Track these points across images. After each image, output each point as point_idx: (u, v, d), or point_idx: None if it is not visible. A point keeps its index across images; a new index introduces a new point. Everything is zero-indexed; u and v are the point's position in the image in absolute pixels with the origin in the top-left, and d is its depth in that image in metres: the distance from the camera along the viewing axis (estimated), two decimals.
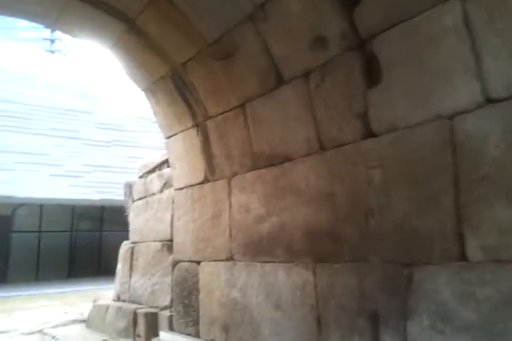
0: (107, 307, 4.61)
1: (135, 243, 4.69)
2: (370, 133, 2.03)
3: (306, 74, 2.32)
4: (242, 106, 2.84)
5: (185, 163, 3.69)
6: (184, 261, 3.62)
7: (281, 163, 2.56)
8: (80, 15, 3.22)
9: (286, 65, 2.40)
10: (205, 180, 3.42)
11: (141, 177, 4.95)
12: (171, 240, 3.96)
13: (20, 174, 12.09)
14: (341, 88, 2.15)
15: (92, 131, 13.84)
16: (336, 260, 2.11)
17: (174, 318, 3.58)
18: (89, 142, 13.61)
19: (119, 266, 5.02)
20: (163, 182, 4.31)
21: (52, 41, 72.75)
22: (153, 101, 3.83)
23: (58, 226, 18.00)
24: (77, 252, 18.07)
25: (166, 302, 3.83)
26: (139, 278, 4.36)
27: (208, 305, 3.16)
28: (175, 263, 3.77)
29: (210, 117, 3.22)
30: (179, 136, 3.71)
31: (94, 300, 5.54)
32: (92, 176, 13.34)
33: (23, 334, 4.81)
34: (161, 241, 4.13)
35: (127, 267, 4.68)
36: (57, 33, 72.25)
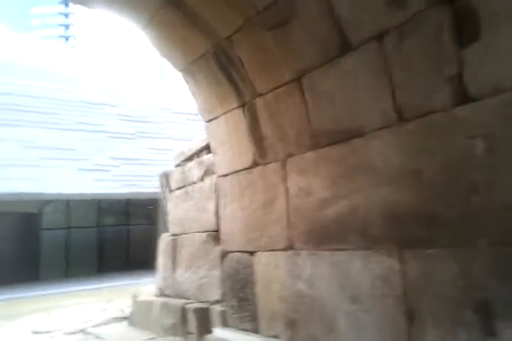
0: (151, 304, 4.48)
1: (176, 235, 4.53)
2: (466, 98, 1.77)
3: (380, 37, 2.06)
4: (297, 79, 2.60)
5: (229, 148, 3.48)
6: (234, 252, 3.44)
7: (349, 139, 2.33)
8: None
9: (355, 27, 2.15)
10: (254, 165, 3.21)
11: (177, 165, 4.78)
12: (217, 230, 3.78)
13: (47, 170, 12.14)
14: (425, 49, 1.90)
15: (116, 123, 13.79)
16: (428, 245, 1.88)
17: (228, 313, 3.41)
18: (114, 135, 13.58)
19: (160, 260, 4.88)
20: (204, 169, 4.12)
21: (67, 27, 73.67)
22: (192, 82, 3.62)
23: (85, 222, 18.19)
24: (105, 247, 18.24)
25: (216, 296, 3.66)
26: (183, 271, 4.21)
27: (266, 299, 2.98)
28: (223, 255, 3.59)
29: (259, 95, 2.99)
30: (222, 119, 3.50)
31: (134, 296, 5.43)
32: (118, 170, 13.32)
33: (66, 333, 4.74)
34: (205, 231, 3.96)
35: (169, 261, 4.53)
36: (72, 19, 73.11)
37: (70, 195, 12.70)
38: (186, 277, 4.14)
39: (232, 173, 3.48)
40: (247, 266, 3.25)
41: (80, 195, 12.87)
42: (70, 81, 17.06)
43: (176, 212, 4.60)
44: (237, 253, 3.40)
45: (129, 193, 13.59)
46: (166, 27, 3.33)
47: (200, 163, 4.19)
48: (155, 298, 4.60)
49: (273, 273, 2.93)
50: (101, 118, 13.73)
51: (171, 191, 4.86)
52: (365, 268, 2.22)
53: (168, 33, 3.38)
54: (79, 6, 3.87)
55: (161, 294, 4.66)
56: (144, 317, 4.53)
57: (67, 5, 76.67)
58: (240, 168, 3.37)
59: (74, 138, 13.00)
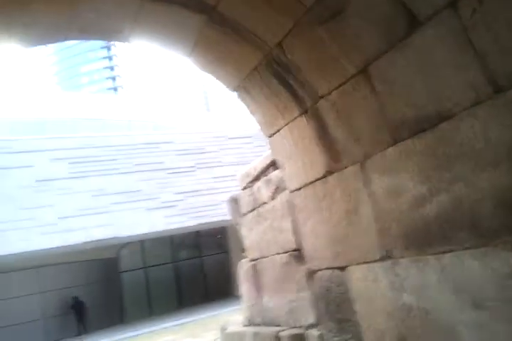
0: (242, 335, 4.29)
1: (255, 260, 4.36)
2: None
3: (453, 3, 1.84)
4: (363, 71, 2.40)
5: (297, 160, 3.31)
6: (322, 270, 3.20)
7: (436, 125, 2.08)
8: (155, 16, 3.01)
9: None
10: (328, 173, 3.00)
11: (244, 188, 4.65)
12: (298, 249, 3.57)
13: (119, 214, 12.56)
14: None
15: (174, 159, 14.12)
16: None
17: (326, 337, 3.15)
18: (174, 170, 13.89)
19: (243, 288, 4.72)
20: (273, 187, 3.96)
21: (114, 78, 79.25)
22: (248, 99, 3.52)
23: (161, 260, 18.55)
24: (182, 281, 18.43)
25: (311, 319, 3.41)
26: (270, 297, 4.00)
27: (369, 317, 2.70)
28: (311, 274, 3.37)
29: (322, 97, 2.82)
30: (284, 131, 3.35)
31: (223, 328, 5.28)
32: (184, 203, 13.53)
33: None
34: (285, 252, 3.75)
35: (253, 287, 4.35)
36: (117, 71, 78.90)
37: (143, 234, 13.02)
38: (274, 303, 3.93)
39: (304, 186, 3.29)
40: (339, 283, 3.00)
41: (153, 233, 13.16)
42: (124, 126, 17.88)
43: (252, 235, 4.45)
44: (326, 270, 3.16)
45: (199, 225, 13.71)
46: (213, 47, 3.28)
47: (268, 182, 4.03)
48: (245, 328, 4.41)
49: (372, 287, 2.66)
50: (159, 156, 14.13)
51: (242, 215, 4.72)
52: (484, 268, 1.92)
53: (216, 53, 3.32)
54: (122, 44, 3.94)
55: (250, 323, 4.47)
56: None
57: (110, 59, 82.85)
58: (312, 179, 3.17)
59: (138, 180, 13.43)
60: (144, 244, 17.83)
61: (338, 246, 3.00)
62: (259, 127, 3.66)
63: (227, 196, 14.82)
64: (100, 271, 16.71)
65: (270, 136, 3.56)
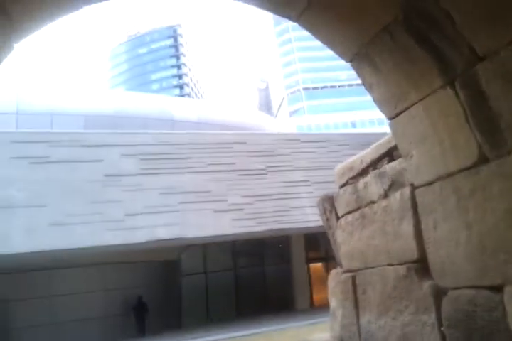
0: None
1: (355, 271, 3.73)
2: None
3: None
4: None
5: (433, 144, 2.67)
6: (460, 288, 2.53)
7: None
8: None
9: None
10: (481, 160, 2.34)
11: (344, 185, 4.05)
12: (422, 260, 2.91)
13: (186, 214, 12.35)
14: None
15: (246, 160, 13.76)
16: None
17: None
18: (245, 172, 13.52)
19: (334, 303, 4.10)
20: (388, 182, 3.33)
21: (182, 87, 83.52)
22: (368, 69, 2.93)
23: (221, 266, 18.24)
24: (241, 290, 17.97)
25: None
26: (375, 317, 3.35)
27: None
28: (439, 293, 2.70)
29: (483, 58, 2.18)
30: (417, 108, 2.72)
31: None
32: (252, 207, 13.09)
33: None
34: (402, 263, 3.10)
35: (350, 304, 3.72)
36: (183, 70, 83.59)
37: (208, 237, 12.70)
38: (380, 324, 3.28)
39: (440, 179, 2.64)
40: (490, 308, 2.31)
41: (219, 236, 12.81)
42: (193, 126, 17.85)
43: (351, 242, 3.83)
44: (466, 289, 2.48)
45: (267, 230, 13.19)
46: (332, 4, 2.73)
47: (381, 176, 3.41)
48: None
49: None
50: (231, 157, 13.82)
51: (339, 217, 4.12)
52: None
53: (335, 11, 2.77)
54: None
55: None
56: None
57: (179, 67, 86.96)
58: (455, 169, 2.52)
59: (208, 180, 13.18)
60: (205, 249, 17.62)
61: (489, 257, 2.32)
62: (379, 106, 3.05)
63: (297, 202, 14.35)
64: (161, 273, 16.66)
65: (393, 117, 2.95)
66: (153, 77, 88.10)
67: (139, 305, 15.42)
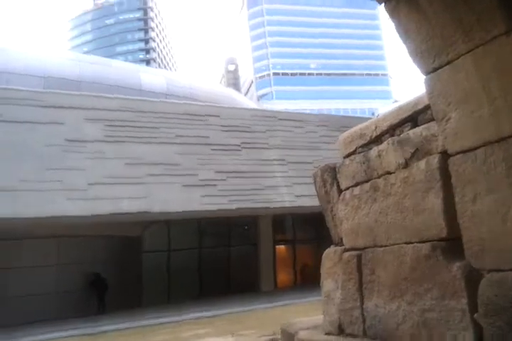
0: None
1: (360, 249, 3.41)
2: None
3: None
4: None
5: (481, 104, 2.32)
6: (505, 271, 2.23)
7: None
8: None
9: None
10: None
11: (349, 155, 3.70)
12: (451, 238, 2.60)
13: (153, 187, 11.81)
14: None
15: (220, 134, 13.26)
16: None
17: None
18: (219, 147, 13.03)
19: (330, 285, 3.78)
20: (411, 150, 2.98)
21: (147, 51, 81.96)
22: (408, 11, 2.53)
23: (185, 244, 17.86)
24: (205, 270, 17.70)
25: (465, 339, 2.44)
26: (384, 301, 3.05)
27: None
28: (473, 276, 2.40)
29: None
30: (463, 61, 2.36)
31: (287, 332, 4.39)
32: (225, 184, 12.67)
33: None
34: (424, 241, 2.79)
35: (353, 285, 3.40)
36: (151, 45, 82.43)
37: (176, 213, 12.22)
38: (392, 309, 2.97)
39: (487, 144, 2.31)
40: None
41: (188, 212, 12.35)
42: (166, 98, 17.12)
43: (356, 217, 3.49)
44: None
45: (238, 209, 12.82)
46: None
47: (402, 143, 3.06)
48: (331, 338, 3.47)
49: None
50: (203, 129, 13.29)
51: (341, 190, 3.77)
52: None
53: None
54: None
55: (340, 332, 3.53)
56: None
57: (147, 42, 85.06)
58: (508, 134, 2.19)
59: (177, 153, 12.63)
60: (169, 226, 17.16)
61: None
62: (415, 58, 2.67)
63: (272, 181, 13.97)
64: (121, 249, 16.08)
65: (431, 72, 2.58)
66: (119, 49, 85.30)
67: (97, 282, 14.88)
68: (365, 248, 3.35)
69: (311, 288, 17.17)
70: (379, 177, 3.28)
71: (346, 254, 3.56)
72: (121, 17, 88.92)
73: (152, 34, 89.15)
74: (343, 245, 3.76)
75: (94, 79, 19.07)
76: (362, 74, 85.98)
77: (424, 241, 2.79)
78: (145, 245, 16.56)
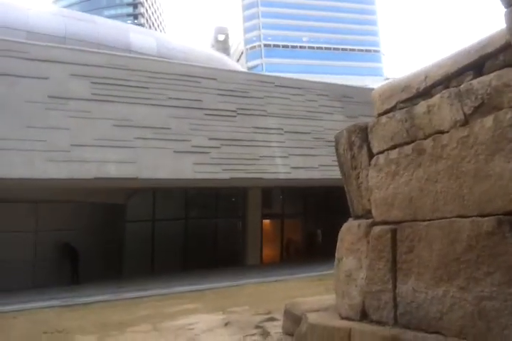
0: (349, 334, 2.94)
1: (395, 223, 2.94)
2: None
3: None
4: None
5: None
6: None
7: None
8: None
9: None
10: None
11: (387, 111, 3.19)
12: None
13: (142, 152, 11.22)
14: None
15: (215, 99, 12.60)
16: None
17: None
18: (213, 112, 12.40)
19: (353, 263, 3.33)
20: (473, 104, 2.48)
21: (136, 17, 79.93)
22: None
23: (171, 214, 17.43)
24: (190, 242, 17.34)
25: None
26: (426, 285, 2.60)
27: None
28: None
29: None
30: None
31: (291, 313, 4.00)
32: (219, 152, 12.12)
33: None
34: (487, 214, 2.32)
35: (385, 265, 2.95)
36: (139, 10, 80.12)
37: (165, 180, 11.66)
38: (436, 295, 2.53)
39: None
40: None
41: (179, 180, 11.81)
42: (158, 56, 16.29)
43: (392, 185, 3.02)
44: None
45: (232, 179, 12.30)
46: None
47: (462, 95, 2.55)
48: (355, 325, 3.04)
49: None
50: (197, 92, 12.62)
51: (372, 154, 3.28)
52: None
53: None
54: None
55: (363, 317, 3.11)
56: None
57: (135, 7, 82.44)
58: None
59: (169, 116, 11.99)
60: (155, 195, 16.66)
61: None
62: None
63: (267, 151, 13.32)
64: (104, 217, 15.56)
65: None
66: (107, 13, 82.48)
67: (67, 251, 14.35)
68: (401, 221, 2.89)
69: (298, 264, 17.03)
70: (426, 137, 2.78)
71: (377, 229, 3.09)
72: None
73: None
74: (368, 218, 3.31)
75: (80, 37, 18.15)
76: (354, 50, 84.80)
77: (486, 215, 2.33)
78: (129, 213, 16.07)
